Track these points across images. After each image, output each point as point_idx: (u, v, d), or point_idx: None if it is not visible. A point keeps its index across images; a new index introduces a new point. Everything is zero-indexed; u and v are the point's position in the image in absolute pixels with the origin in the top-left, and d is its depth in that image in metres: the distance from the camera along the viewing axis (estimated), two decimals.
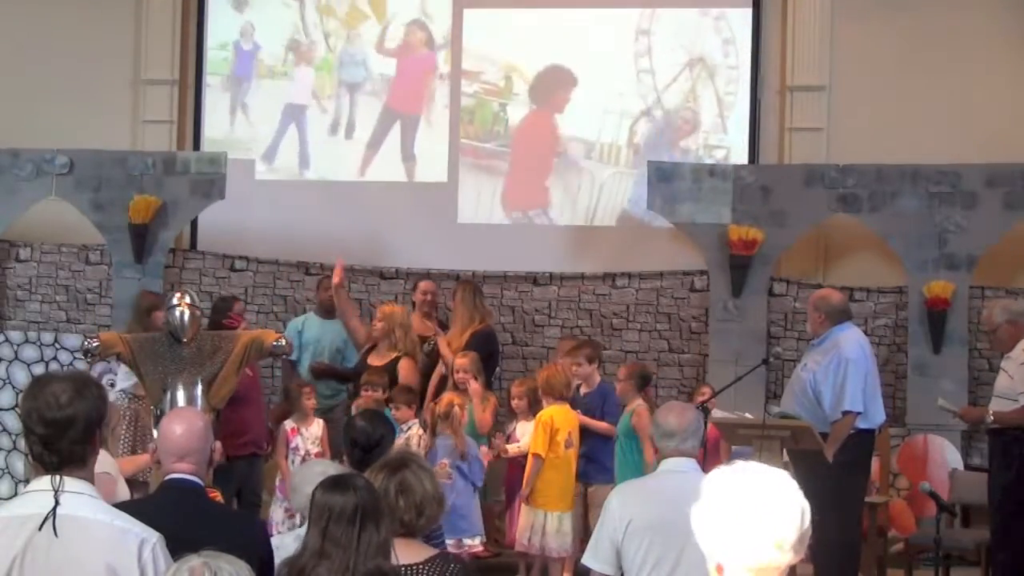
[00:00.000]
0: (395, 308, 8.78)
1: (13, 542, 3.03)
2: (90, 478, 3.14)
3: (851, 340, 7.28)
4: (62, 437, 3.08)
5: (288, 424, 8.24)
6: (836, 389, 7.10)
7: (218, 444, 4.07)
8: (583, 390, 8.36)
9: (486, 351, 8.72)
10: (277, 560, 4.00)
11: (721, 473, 2.46)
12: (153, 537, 3.11)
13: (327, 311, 9.43)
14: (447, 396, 7.85)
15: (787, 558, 2.39)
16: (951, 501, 8.34)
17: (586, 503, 8.08)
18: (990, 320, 7.75)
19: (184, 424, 3.98)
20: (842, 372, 7.11)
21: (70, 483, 3.06)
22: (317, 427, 8.24)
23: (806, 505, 2.42)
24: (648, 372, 8.48)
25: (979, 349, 9.59)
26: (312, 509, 3.49)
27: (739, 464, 2.48)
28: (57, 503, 3.03)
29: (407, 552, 3.81)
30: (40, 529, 3.02)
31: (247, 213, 10.89)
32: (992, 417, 7.48)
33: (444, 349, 8.69)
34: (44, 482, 3.07)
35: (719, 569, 2.41)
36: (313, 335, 9.25)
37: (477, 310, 8.95)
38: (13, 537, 3.04)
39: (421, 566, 3.83)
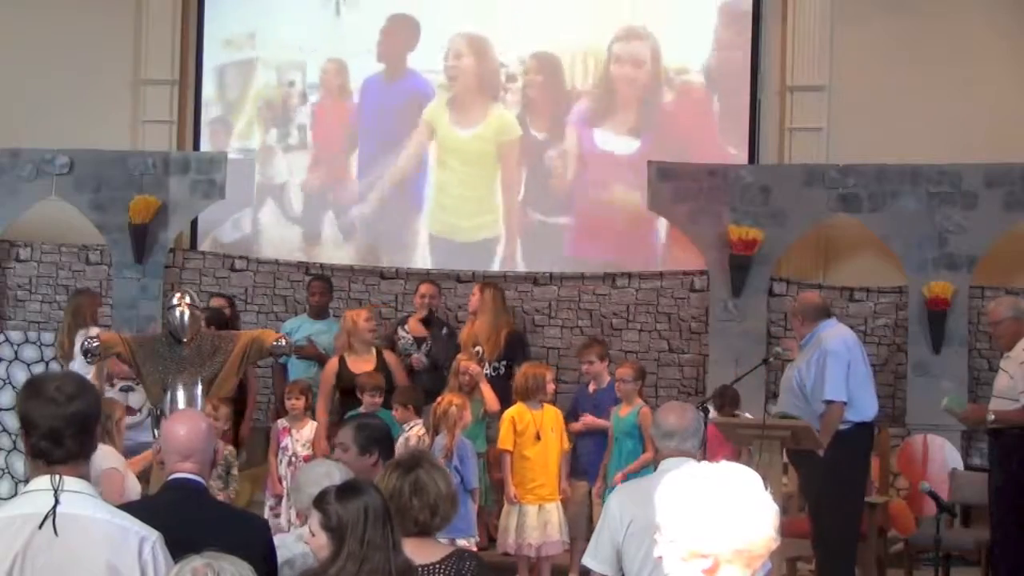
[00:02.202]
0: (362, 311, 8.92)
1: (14, 541, 3.04)
2: (88, 477, 3.15)
3: (832, 334, 7.35)
4: (65, 434, 3.09)
5: (281, 423, 8.27)
6: (817, 380, 7.16)
7: (221, 444, 4.09)
8: (591, 388, 8.43)
9: (526, 351, 9.23)
10: (279, 559, 4.01)
11: (686, 475, 2.48)
12: (153, 536, 3.12)
13: (318, 313, 9.60)
14: (448, 397, 7.89)
15: (775, 541, 2.44)
16: (951, 501, 8.34)
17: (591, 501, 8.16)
18: (996, 313, 7.74)
19: (188, 424, 4.03)
20: (821, 363, 7.17)
21: (70, 482, 3.08)
22: (309, 430, 8.23)
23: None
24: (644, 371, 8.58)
25: (979, 349, 9.59)
26: (339, 519, 3.46)
27: (693, 465, 2.52)
28: (57, 502, 3.04)
29: (422, 552, 3.81)
30: (40, 528, 3.03)
31: (247, 213, 10.94)
32: (993, 416, 7.49)
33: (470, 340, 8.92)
34: (44, 481, 3.09)
35: (715, 565, 2.42)
36: (303, 336, 9.27)
37: (506, 312, 9.27)
38: (14, 536, 3.05)
39: (437, 565, 3.84)
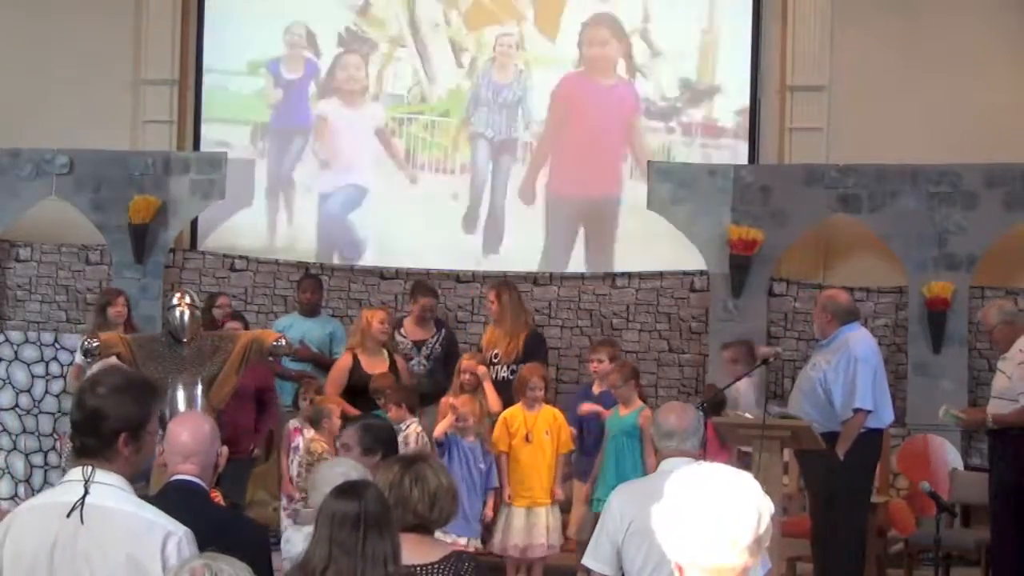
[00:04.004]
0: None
1: (49, 528, 3.16)
2: (124, 472, 3.24)
3: (860, 339, 7.33)
4: (84, 427, 3.23)
5: (292, 424, 8.23)
6: (847, 388, 7.15)
7: (224, 449, 4.09)
8: (596, 388, 8.36)
9: (544, 352, 9.06)
10: (281, 560, 4.01)
11: (682, 472, 2.47)
12: (180, 531, 3.21)
13: (309, 311, 9.63)
14: (446, 399, 7.90)
15: (741, 560, 2.39)
16: (951, 501, 8.34)
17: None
18: (987, 320, 7.83)
19: (191, 427, 4.06)
20: (852, 371, 7.15)
21: (101, 475, 3.19)
22: None
23: (767, 508, 2.42)
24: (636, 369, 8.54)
25: (979, 349, 9.58)
26: (320, 514, 3.48)
27: (702, 464, 2.49)
28: (87, 492, 3.14)
29: (420, 551, 3.80)
30: (68, 517, 3.14)
31: (247, 213, 10.95)
32: (992, 419, 7.50)
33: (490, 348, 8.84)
34: (76, 472, 3.22)
35: (679, 569, 2.42)
36: (297, 334, 9.27)
37: (524, 313, 9.14)
38: (49, 523, 3.17)
39: (436, 565, 3.82)
